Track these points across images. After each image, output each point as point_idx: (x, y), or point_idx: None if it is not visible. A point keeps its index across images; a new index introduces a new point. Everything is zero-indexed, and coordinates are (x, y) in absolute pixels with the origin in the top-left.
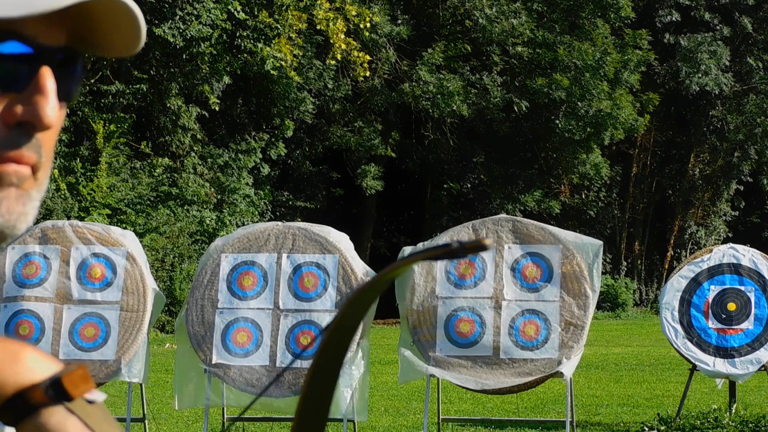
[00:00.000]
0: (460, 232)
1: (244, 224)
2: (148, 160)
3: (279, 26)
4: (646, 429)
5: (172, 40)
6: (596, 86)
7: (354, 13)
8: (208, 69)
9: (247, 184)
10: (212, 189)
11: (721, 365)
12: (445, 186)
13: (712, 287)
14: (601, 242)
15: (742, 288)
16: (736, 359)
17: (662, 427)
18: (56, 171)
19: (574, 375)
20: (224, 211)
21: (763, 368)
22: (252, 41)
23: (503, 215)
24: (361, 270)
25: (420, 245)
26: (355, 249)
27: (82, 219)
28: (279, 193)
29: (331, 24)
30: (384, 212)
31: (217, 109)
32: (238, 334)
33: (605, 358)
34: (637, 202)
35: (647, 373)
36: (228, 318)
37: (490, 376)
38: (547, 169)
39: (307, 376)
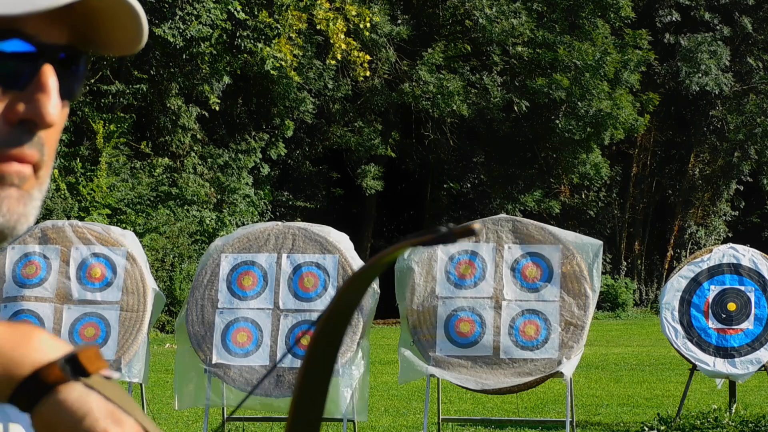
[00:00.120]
0: None
1: (244, 224)
2: (148, 160)
3: (279, 26)
4: (646, 429)
5: (172, 40)
6: (596, 86)
7: (354, 13)
8: (208, 69)
9: (247, 184)
10: (212, 189)
11: (721, 365)
12: (445, 186)
13: (712, 287)
14: (601, 242)
15: (742, 288)
16: (736, 359)
17: (662, 427)
18: (56, 171)
19: (574, 375)
20: (224, 211)
21: (763, 368)
22: (252, 41)
23: (503, 215)
24: None
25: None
26: (355, 249)
27: (82, 219)
28: (279, 193)
29: (331, 24)
30: (384, 212)
31: (217, 109)
32: (238, 334)
33: (605, 358)
34: (637, 202)
35: (647, 373)
36: (228, 318)
37: (490, 376)
38: (547, 169)
39: (302, 364)
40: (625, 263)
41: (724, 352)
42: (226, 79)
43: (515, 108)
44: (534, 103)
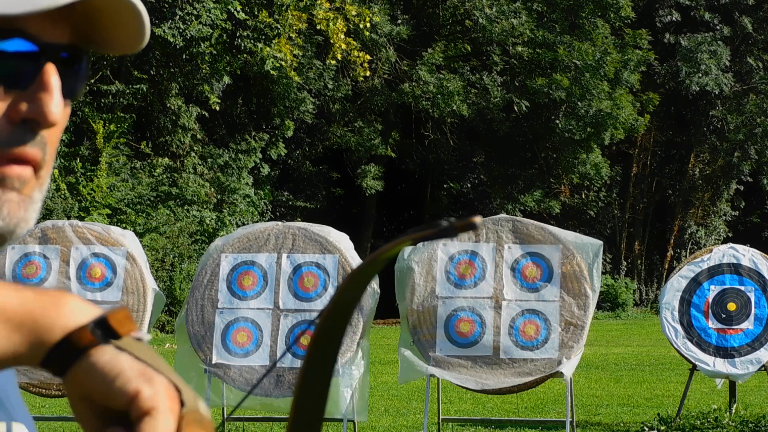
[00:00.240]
0: None
1: (244, 224)
2: (148, 160)
3: (279, 26)
4: (646, 429)
5: (172, 40)
6: (596, 86)
7: (354, 13)
8: (208, 69)
9: (247, 184)
10: (212, 189)
11: (721, 365)
12: (445, 186)
13: (712, 287)
14: (601, 242)
15: (742, 288)
16: (736, 359)
17: (662, 427)
18: (56, 171)
19: (574, 375)
20: (224, 211)
21: (763, 368)
22: (252, 41)
23: (503, 215)
24: None
25: (420, 245)
26: (355, 249)
27: (82, 219)
28: (279, 193)
29: (331, 24)
30: (384, 212)
31: (217, 109)
32: (238, 334)
33: (605, 358)
34: (637, 202)
35: (647, 373)
36: (228, 318)
37: (490, 376)
38: (547, 169)
39: (302, 363)
40: (625, 263)
41: (724, 352)
42: (226, 79)
43: (515, 108)
44: (534, 103)
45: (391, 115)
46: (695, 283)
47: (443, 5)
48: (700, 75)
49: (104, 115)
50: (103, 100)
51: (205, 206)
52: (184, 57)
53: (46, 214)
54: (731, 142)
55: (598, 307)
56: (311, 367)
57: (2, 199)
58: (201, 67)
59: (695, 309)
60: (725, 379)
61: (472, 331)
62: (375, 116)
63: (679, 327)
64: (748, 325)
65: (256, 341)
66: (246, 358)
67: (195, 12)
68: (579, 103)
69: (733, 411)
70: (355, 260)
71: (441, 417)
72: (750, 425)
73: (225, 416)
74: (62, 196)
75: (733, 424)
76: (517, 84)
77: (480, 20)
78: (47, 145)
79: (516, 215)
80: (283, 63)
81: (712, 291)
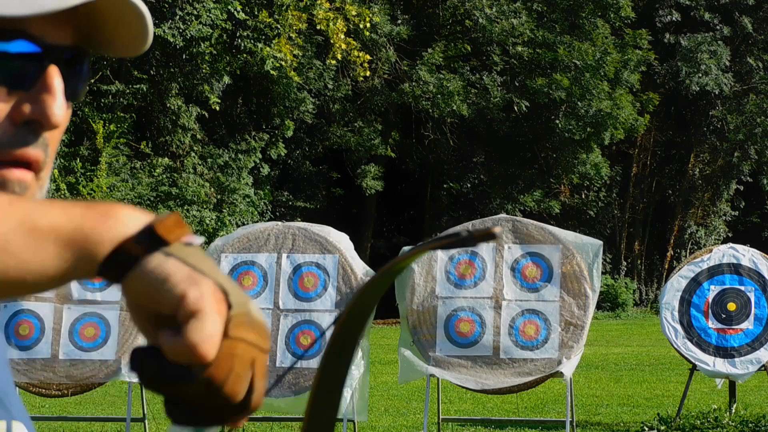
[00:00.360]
0: None
1: (244, 224)
2: (148, 160)
3: (279, 26)
4: (646, 429)
5: (172, 40)
6: (596, 86)
7: (354, 13)
8: (208, 69)
9: (247, 184)
10: (212, 189)
11: (721, 365)
12: (445, 186)
13: (712, 287)
14: (601, 242)
15: (742, 288)
16: (736, 359)
17: (662, 427)
18: (56, 171)
19: (574, 375)
20: (224, 211)
21: (763, 368)
22: (252, 41)
23: (503, 215)
24: (361, 270)
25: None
26: (355, 249)
27: None
28: (279, 193)
29: (331, 24)
30: (384, 212)
31: (217, 109)
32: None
33: (605, 358)
34: (637, 202)
35: (647, 373)
36: None
37: (490, 376)
38: (547, 169)
39: (319, 366)
40: (625, 263)
41: (724, 352)
42: (226, 79)
43: (515, 108)
44: (534, 103)
45: (391, 115)
46: (695, 283)
47: (443, 5)
48: (700, 75)
49: (104, 115)
50: (103, 100)
51: (205, 206)
52: (184, 57)
53: None
54: (731, 142)
55: (598, 307)
56: (327, 372)
57: None
58: (201, 67)
59: (695, 309)
60: (725, 379)
61: (472, 331)
62: (375, 116)
63: (679, 327)
64: (748, 325)
65: None
66: None
67: (195, 12)
68: (579, 103)
69: (733, 411)
70: (355, 260)
71: (441, 417)
72: (750, 425)
73: None
74: (62, 196)
75: (733, 424)
76: (517, 84)
77: (480, 20)
78: (48, 146)
79: (516, 215)
80: (283, 63)
81: (712, 291)
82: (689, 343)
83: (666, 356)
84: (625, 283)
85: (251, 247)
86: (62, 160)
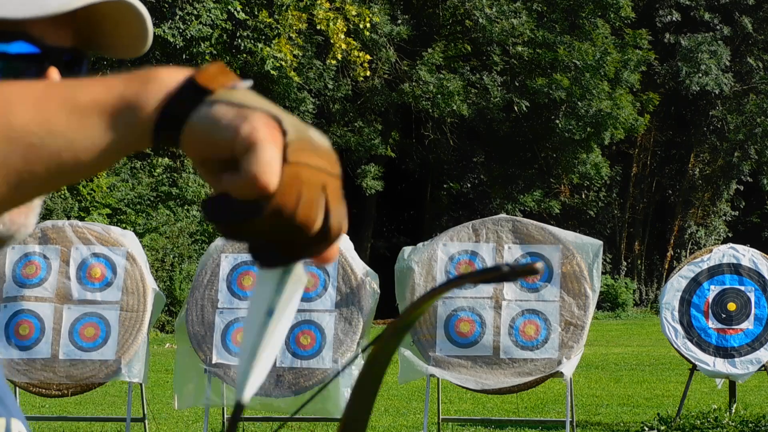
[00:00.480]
0: (460, 232)
1: None
2: (148, 160)
3: (279, 26)
4: (646, 429)
5: (172, 40)
6: (596, 86)
7: (354, 13)
8: None
9: None
10: (212, 189)
11: (721, 365)
12: (445, 186)
13: (712, 287)
14: (601, 242)
15: (742, 288)
16: (736, 359)
17: (662, 427)
18: None
19: (574, 375)
20: None
21: (763, 368)
22: (252, 41)
23: (503, 215)
24: (361, 270)
25: (420, 245)
26: (355, 249)
27: (82, 219)
28: None
29: (331, 24)
30: (384, 212)
31: None
32: (238, 334)
33: (605, 358)
34: (637, 202)
35: (647, 373)
36: (228, 318)
37: (490, 376)
38: (547, 169)
39: (355, 384)
40: (625, 263)
41: (724, 352)
42: None
43: (515, 108)
44: (534, 103)
45: (391, 115)
46: (695, 283)
47: (443, 5)
48: (700, 75)
49: None
50: None
51: None
52: (184, 57)
53: (46, 214)
54: (731, 142)
55: (598, 307)
56: (363, 386)
57: None
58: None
59: (695, 309)
60: (725, 379)
61: (472, 331)
62: (375, 116)
63: (679, 327)
64: (748, 325)
65: None
66: None
67: (195, 12)
68: (579, 103)
69: (733, 411)
70: (355, 260)
71: (441, 417)
72: (750, 425)
73: (225, 416)
74: (62, 196)
75: (733, 424)
76: (517, 84)
77: (480, 20)
78: None
79: (516, 215)
80: (283, 63)
81: (712, 291)
82: (689, 343)
83: (666, 356)
84: (625, 283)
85: None
86: None
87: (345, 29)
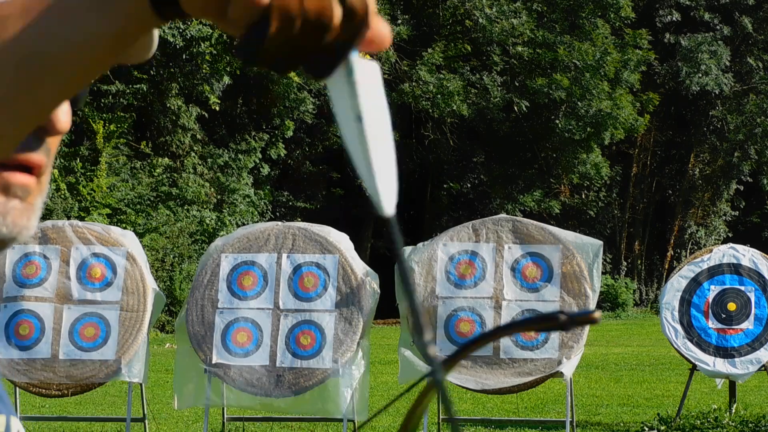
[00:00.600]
0: (460, 232)
1: (244, 224)
2: (148, 160)
3: None
4: (646, 429)
5: (172, 40)
6: (596, 86)
7: None
8: (208, 69)
9: (247, 184)
10: (212, 189)
11: (721, 365)
12: (445, 186)
13: (712, 287)
14: (601, 242)
15: (742, 288)
16: (736, 359)
17: (662, 427)
18: (56, 171)
19: (574, 375)
20: (224, 211)
21: (763, 368)
22: None
23: (503, 215)
24: (361, 270)
25: (420, 245)
26: (355, 249)
27: (82, 219)
28: (279, 193)
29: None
30: None
31: (217, 109)
32: (238, 334)
33: (605, 358)
34: (637, 202)
35: (647, 373)
36: (228, 318)
37: (490, 376)
38: (547, 169)
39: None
40: (625, 263)
41: (724, 352)
42: (226, 79)
43: (515, 108)
44: (534, 103)
45: (391, 115)
46: (695, 283)
47: (443, 5)
48: (700, 75)
49: (104, 115)
50: (103, 100)
51: (205, 206)
52: (184, 57)
53: (46, 214)
54: (731, 142)
55: (598, 307)
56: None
57: (7, 206)
58: (201, 67)
59: (695, 309)
60: (725, 379)
61: (472, 331)
62: None
63: (679, 327)
64: (748, 325)
65: (256, 341)
66: (246, 358)
67: None
68: (579, 103)
69: (733, 411)
70: (355, 260)
71: (441, 417)
72: (750, 425)
73: (225, 416)
74: (62, 196)
75: (733, 424)
76: (517, 84)
77: (480, 20)
78: (50, 150)
79: (516, 215)
80: None
81: (712, 291)
82: (689, 343)
83: (666, 356)
84: (625, 283)
85: (251, 247)
86: (62, 160)
87: None
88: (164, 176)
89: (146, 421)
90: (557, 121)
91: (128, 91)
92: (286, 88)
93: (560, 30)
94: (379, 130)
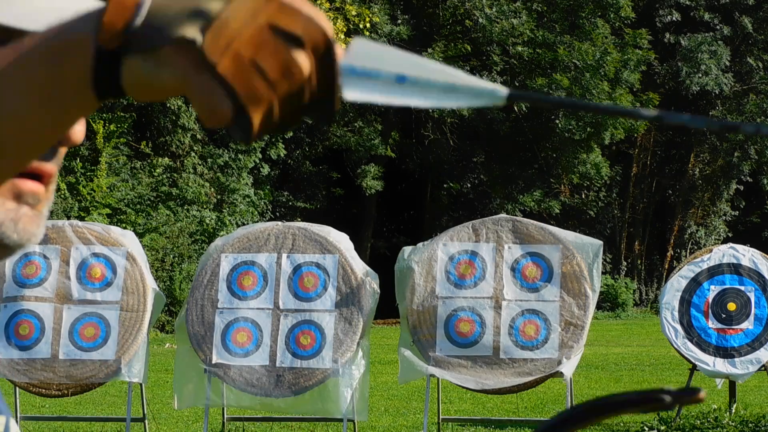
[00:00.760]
0: (460, 232)
1: (244, 224)
2: (148, 160)
3: None
4: (646, 429)
5: None
6: (596, 86)
7: (354, 13)
8: None
9: (246, 184)
10: (212, 189)
11: (721, 365)
12: (445, 186)
13: (712, 287)
14: (601, 242)
15: (742, 288)
16: (736, 359)
17: (662, 427)
18: None
19: (574, 375)
20: (224, 211)
21: (763, 368)
22: None
23: (503, 215)
24: (361, 270)
25: (420, 245)
26: (355, 249)
27: (82, 219)
28: (279, 193)
29: (331, 24)
30: (384, 212)
31: None
32: (238, 334)
33: (605, 358)
34: (637, 202)
35: (647, 373)
36: (228, 318)
37: (490, 376)
38: (547, 169)
39: None
40: (625, 263)
41: (724, 352)
42: None
43: (515, 108)
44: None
45: (391, 115)
46: (695, 283)
47: (443, 5)
48: (700, 75)
49: (104, 115)
50: None
51: (205, 206)
52: None
53: None
54: (731, 142)
55: (598, 307)
56: None
57: (18, 213)
58: None
59: (695, 309)
60: (725, 379)
61: (472, 331)
62: (375, 116)
63: (679, 327)
64: (748, 325)
65: (256, 341)
66: (246, 358)
67: None
68: None
69: (733, 411)
70: (355, 260)
71: (441, 417)
72: (750, 425)
73: (225, 416)
74: (62, 196)
75: (733, 424)
76: (517, 84)
77: (480, 20)
78: (60, 160)
79: (516, 215)
80: None
81: (712, 291)
82: (689, 343)
83: (666, 356)
84: (625, 283)
85: (251, 247)
86: (62, 160)
87: (345, 29)
88: (164, 176)
89: (146, 421)
90: (557, 121)
91: None
92: None
93: (560, 30)
94: (421, 66)
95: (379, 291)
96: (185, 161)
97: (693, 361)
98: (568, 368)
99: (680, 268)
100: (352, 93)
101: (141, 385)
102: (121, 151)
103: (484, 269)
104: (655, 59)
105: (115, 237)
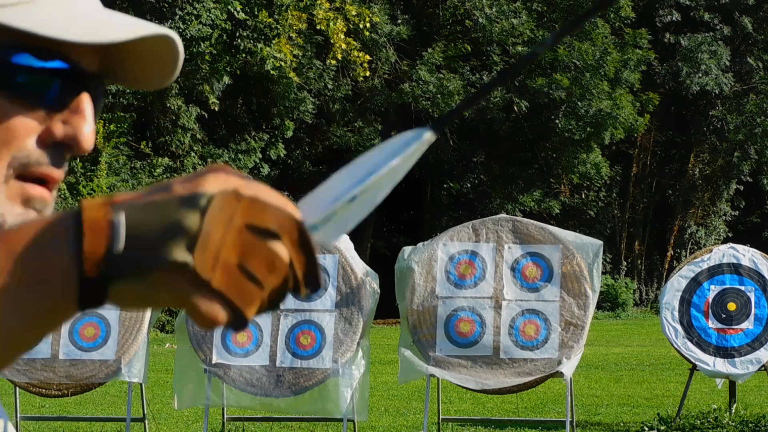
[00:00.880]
0: (460, 232)
1: None
2: (148, 160)
3: (279, 26)
4: (646, 429)
5: None
6: (596, 86)
7: (354, 13)
8: (208, 69)
9: None
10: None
11: (721, 365)
12: (445, 186)
13: (712, 287)
14: (601, 242)
15: (742, 288)
16: (736, 359)
17: (662, 427)
18: None
19: (574, 375)
20: None
21: (763, 368)
22: (252, 41)
23: (503, 215)
24: (361, 270)
25: (420, 245)
26: (355, 249)
27: None
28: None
29: (331, 24)
30: (384, 212)
31: (217, 109)
32: (237, 334)
33: (605, 358)
34: (637, 202)
35: (647, 373)
36: None
37: (490, 376)
38: (547, 169)
39: None
40: (625, 263)
41: (724, 352)
42: (226, 79)
43: (515, 108)
44: (534, 103)
45: (391, 115)
46: (695, 283)
47: (443, 5)
48: (700, 75)
49: (104, 115)
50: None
51: None
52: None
53: None
54: (731, 142)
55: (598, 307)
56: None
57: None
58: (201, 67)
59: (695, 309)
60: (725, 379)
61: (472, 331)
62: (375, 116)
63: (679, 327)
64: (748, 325)
65: (256, 341)
66: (246, 358)
67: (195, 12)
68: (579, 103)
69: (733, 411)
70: (355, 260)
71: (441, 417)
72: (750, 425)
73: (225, 416)
74: (62, 196)
75: (733, 424)
76: (517, 84)
77: (480, 20)
78: (66, 165)
79: (516, 215)
80: (282, 63)
81: (712, 291)
82: (689, 343)
83: (666, 356)
84: (625, 283)
85: None
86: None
87: (345, 29)
88: (164, 176)
89: (146, 421)
90: (557, 121)
91: (128, 90)
92: (286, 88)
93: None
94: (355, 176)
95: (379, 291)
96: (185, 161)
97: (693, 361)
98: (568, 368)
99: (680, 268)
100: (330, 239)
101: (141, 385)
102: (121, 151)
103: (484, 269)
104: (655, 59)
105: None
